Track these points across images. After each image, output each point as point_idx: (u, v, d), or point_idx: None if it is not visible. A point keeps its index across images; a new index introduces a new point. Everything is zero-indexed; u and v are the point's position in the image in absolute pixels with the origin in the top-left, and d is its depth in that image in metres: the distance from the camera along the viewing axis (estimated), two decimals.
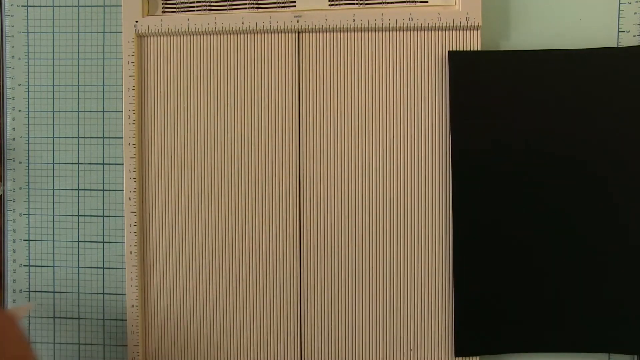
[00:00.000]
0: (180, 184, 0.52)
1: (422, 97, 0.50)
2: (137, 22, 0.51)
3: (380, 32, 0.50)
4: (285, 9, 0.50)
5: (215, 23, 0.50)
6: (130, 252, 0.51)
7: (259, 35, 0.51)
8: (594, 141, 0.48)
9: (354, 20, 0.49)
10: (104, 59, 0.53)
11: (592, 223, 0.48)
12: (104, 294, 0.54)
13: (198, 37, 0.51)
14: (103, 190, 0.54)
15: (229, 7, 0.51)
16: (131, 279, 0.52)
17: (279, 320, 0.51)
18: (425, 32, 0.49)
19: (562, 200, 0.48)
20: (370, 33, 0.50)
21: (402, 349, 0.50)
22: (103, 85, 0.53)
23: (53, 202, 0.54)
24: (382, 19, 0.49)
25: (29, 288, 0.54)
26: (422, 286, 0.50)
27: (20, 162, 0.54)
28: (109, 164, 0.54)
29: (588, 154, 0.48)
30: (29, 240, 0.54)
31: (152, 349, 0.52)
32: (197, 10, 0.51)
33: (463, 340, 0.49)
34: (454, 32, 0.49)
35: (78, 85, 0.54)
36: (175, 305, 0.52)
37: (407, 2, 0.50)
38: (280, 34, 0.50)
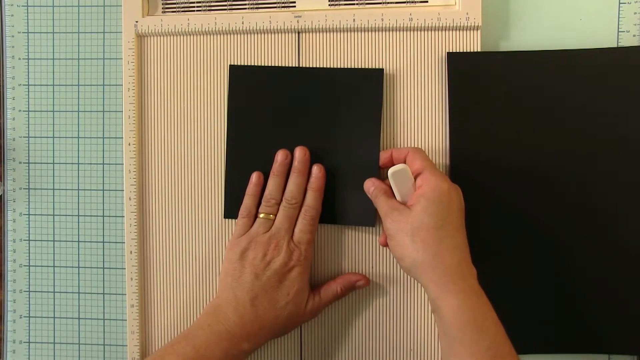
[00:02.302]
0: (180, 184, 0.52)
1: (421, 97, 0.50)
2: (137, 22, 0.51)
3: (380, 32, 0.50)
4: (285, 9, 0.50)
5: (215, 23, 0.50)
6: (130, 252, 0.51)
7: (259, 35, 0.51)
8: (594, 141, 0.48)
9: (354, 20, 0.49)
10: (104, 59, 0.53)
11: (592, 223, 0.48)
12: (104, 294, 0.54)
13: (198, 37, 0.51)
14: (103, 190, 0.54)
15: (229, 7, 0.51)
16: (131, 279, 0.52)
17: None
18: (425, 32, 0.49)
19: (562, 199, 0.48)
20: (370, 33, 0.50)
21: (402, 349, 0.50)
22: (103, 85, 0.53)
23: (53, 202, 0.54)
24: (382, 19, 0.49)
25: (29, 288, 0.54)
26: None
27: (20, 162, 0.54)
28: (109, 164, 0.53)
29: (588, 154, 0.48)
30: (29, 240, 0.54)
31: (151, 349, 0.52)
32: (197, 10, 0.51)
33: None
34: (454, 32, 0.49)
35: (78, 85, 0.54)
36: (175, 305, 0.52)
37: (407, 2, 0.50)
38: (280, 34, 0.50)
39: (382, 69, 0.49)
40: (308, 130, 0.49)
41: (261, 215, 0.47)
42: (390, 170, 0.43)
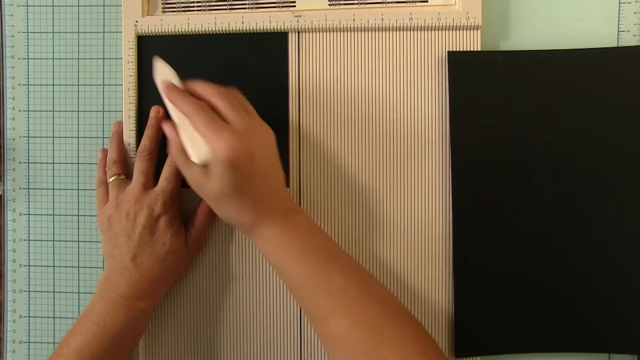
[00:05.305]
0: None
1: (422, 97, 0.50)
2: (137, 22, 0.51)
3: (380, 32, 0.50)
4: (285, 9, 0.50)
5: (215, 23, 0.50)
6: None
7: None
8: (593, 141, 0.48)
9: (354, 20, 0.49)
10: (104, 59, 0.53)
11: (592, 222, 0.48)
12: None
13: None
14: None
15: (229, 7, 0.51)
16: None
17: (279, 320, 0.51)
18: (425, 32, 0.49)
19: (562, 199, 0.48)
20: (370, 33, 0.50)
21: None
22: (103, 85, 0.53)
23: (53, 202, 0.54)
24: (382, 19, 0.49)
25: (29, 288, 0.54)
26: (423, 287, 0.50)
27: (20, 162, 0.54)
28: None
29: (588, 154, 0.48)
30: (29, 240, 0.54)
31: (151, 349, 0.52)
32: (197, 10, 0.51)
33: (464, 340, 0.49)
34: (454, 32, 0.49)
35: (78, 85, 0.54)
36: (175, 305, 0.52)
37: (407, 2, 0.50)
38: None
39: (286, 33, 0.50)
40: None
41: (110, 179, 0.49)
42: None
